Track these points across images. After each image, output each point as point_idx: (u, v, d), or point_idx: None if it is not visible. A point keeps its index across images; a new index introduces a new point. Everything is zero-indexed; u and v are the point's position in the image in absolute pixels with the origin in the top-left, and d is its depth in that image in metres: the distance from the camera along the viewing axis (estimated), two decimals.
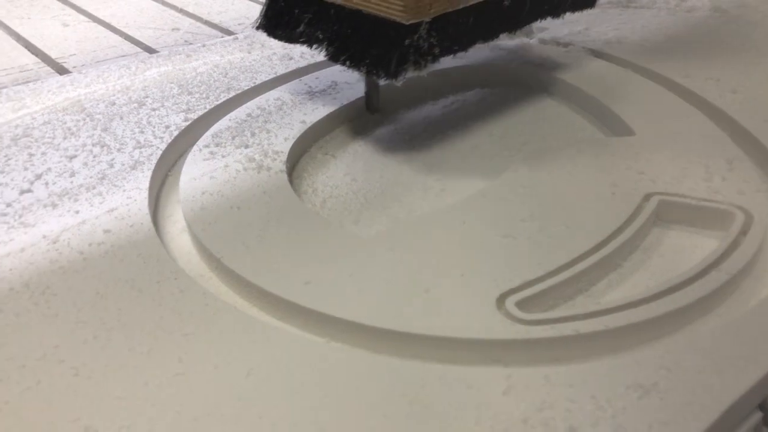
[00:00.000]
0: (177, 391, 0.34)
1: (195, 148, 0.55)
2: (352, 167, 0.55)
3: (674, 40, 0.70)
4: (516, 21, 0.57)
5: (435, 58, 0.51)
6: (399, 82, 0.51)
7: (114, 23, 0.90)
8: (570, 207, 0.46)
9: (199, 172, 0.51)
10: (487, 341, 0.36)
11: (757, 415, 0.35)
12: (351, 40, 0.52)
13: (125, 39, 0.84)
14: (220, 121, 0.58)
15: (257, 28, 0.58)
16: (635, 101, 0.58)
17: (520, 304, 0.38)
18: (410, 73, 0.50)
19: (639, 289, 0.41)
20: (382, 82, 0.57)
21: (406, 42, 0.49)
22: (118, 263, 0.43)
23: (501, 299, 0.39)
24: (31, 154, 0.55)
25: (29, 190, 0.50)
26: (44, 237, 0.45)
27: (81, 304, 0.39)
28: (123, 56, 0.79)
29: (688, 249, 0.44)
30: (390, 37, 0.50)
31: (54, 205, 0.48)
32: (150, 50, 0.81)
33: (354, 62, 0.52)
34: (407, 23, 0.47)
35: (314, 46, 0.55)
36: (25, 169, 0.53)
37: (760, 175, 0.49)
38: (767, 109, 0.55)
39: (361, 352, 0.37)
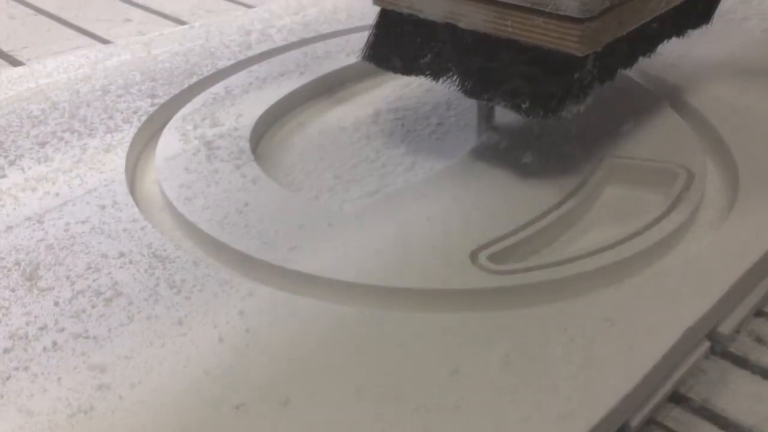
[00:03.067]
0: (181, 348, 0.36)
1: (166, 129, 0.56)
2: (320, 144, 0.57)
3: None
4: (652, 44, 0.53)
5: (593, 91, 0.45)
6: (557, 120, 0.44)
7: (63, 15, 0.89)
8: (535, 171, 0.49)
9: (173, 152, 0.53)
10: (465, 291, 0.39)
11: (706, 344, 0.39)
12: (497, 74, 0.46)
13: (77, 31, 0.84)
14: (188, 104, 0.60)
15: (364, 58, 0.52)
16: None
17: (492, 257, 0.41)
18: (568, 110, 0.44)
19: (596, 241, 0.44)
20: (535, 119, 0.47)
21: (576, 75, 0.43)
22: (105, 239, 0.44)
23: (475, 254, 0.42)
24: (0, 143, 0.55)
25: (4, 176, 0.51)
26: (28, 219, 0.46)
27: (74, 277, 0.41)
28: (77, 48, 0.79)
29: (639, 205, 0.48)
30: (556, 71, 0.43)
31: (33, 189, 0.49)
32: (103, 41, 0.81)
33: (503, 99, 0.45)
34: (581, 55, 0.42)
35: (441, 79, 0.49)
36: None
37: (700, 140, 0.53)
38: (702, 79, 0.60)
39: (349, 309, 0.39)
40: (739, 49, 0.66)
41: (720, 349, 0.39)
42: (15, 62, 0.76)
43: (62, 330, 0.37)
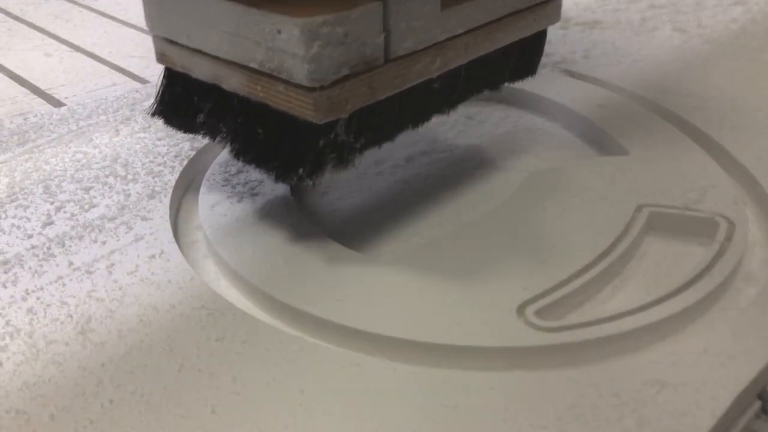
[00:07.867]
0: (235, 409, 0.36)
1: (208, 174, 0.57)
2: (358, 188, 0.58)
3: (644, 59, 0.75)
4: (448, 102, 0.52)
5: (358, 152, 0.46)
6: (315, 185, 0.46)
7: (97, 52, 0.91)
8: (573, 221, 0.50)
9: (216, 198, 0.54)
10: (515, 348, 0.39)
11: (757, 404, 0.39)
12: (258, 137, 0.45)
13: (112, 68, 0.86)
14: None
15: (152, 114, 0.51)
16: (622, 121, 0.63)
17: (539, 313, 0.42)
18: (329, 173, 0.44)
19: (639, 294, 0.45)
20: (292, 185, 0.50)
21: (321, 142, 0.43)
22: (154, 290, 0.45)
23: (521, 309, 0.42)
24: (46, 188, 0.56)
25: (51, 223, 0.52)
26: (77, 268, 0.47)
27: (126, 331, 0.41)
28: (113, 85, 0.81)
29: (679, 256, 0.48)
30: (303, 137, 0.43)
31: (80, 237, 0.50)
32: (139, 79, 0.83)
33: (261, 164, 0.46)
34: (321, 123, 0.41)
35: (217, 139, 0.48)
36: (44, 202, 0.54)
37: (738, 187, 0.54)
38: (734, 121, 0.61)
39: (396, 365, 0.39)
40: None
41: None
42: (53, 101, 0.77)
43: (118, 386, 0.38)
